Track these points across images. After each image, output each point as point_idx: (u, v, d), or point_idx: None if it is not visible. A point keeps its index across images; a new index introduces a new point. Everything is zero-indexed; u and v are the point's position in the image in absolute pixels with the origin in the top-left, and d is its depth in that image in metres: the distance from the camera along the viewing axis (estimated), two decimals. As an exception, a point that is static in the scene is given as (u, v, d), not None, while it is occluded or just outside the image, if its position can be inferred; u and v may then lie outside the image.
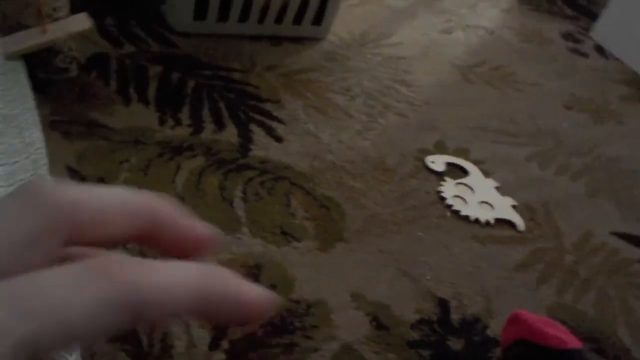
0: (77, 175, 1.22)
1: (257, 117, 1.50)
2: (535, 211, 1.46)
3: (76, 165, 1.24)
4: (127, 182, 1.23)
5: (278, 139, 1.45)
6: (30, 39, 1.12)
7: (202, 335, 1.01)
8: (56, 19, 1.16)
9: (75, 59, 1.31)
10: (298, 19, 1.76)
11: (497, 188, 1.50)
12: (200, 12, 1.65)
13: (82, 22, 1.19)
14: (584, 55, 2.23)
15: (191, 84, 1.54)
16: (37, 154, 0.99)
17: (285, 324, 1.07)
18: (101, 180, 1.22)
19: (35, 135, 1.00)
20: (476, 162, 1.55)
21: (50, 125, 1.29)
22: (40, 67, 1.25)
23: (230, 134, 1.43)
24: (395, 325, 1.12)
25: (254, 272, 1.14)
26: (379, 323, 1.11)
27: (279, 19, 1.74)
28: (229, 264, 1.13)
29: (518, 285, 1.27)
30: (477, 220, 1.39)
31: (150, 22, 1.70)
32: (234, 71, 1.63)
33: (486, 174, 1.53)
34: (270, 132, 1.47)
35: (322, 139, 1.49)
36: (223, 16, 1.67)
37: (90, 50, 1.53)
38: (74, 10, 1.24)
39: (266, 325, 1.06)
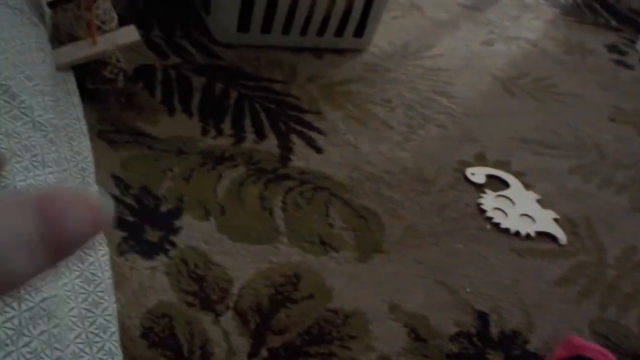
0: (121, 182, 1.25)
1: (298, 127, 1.52)
2: (577, 225, 1.44)
3: (121, 173, 1.27)
4: (170, 191, 1.26)
5: (318, 150, 1.47)
6: (81, 50, 1.16)
7: (242, 343, 1.03)
8: (105, 32, 1.20)
9: (123, 70, 1.35)
10: (340, 31, 1.78)
11: (539, 201, 1.48)
12: (243, 24, 1.68)
13: (130, 34, 1.22)
14: (629, 67, 2.19)
15: (234, 94, 1.57)
16: (85, 162, 1.03)
17: (323, 333, 1.08)
18: (145, 188, 1.25)
19: (84, 144, 1.03)
20: (517, 175, 1.54)
21: (98, 134, 1.33)
22: (89, 77, 1.29)
23: (271, 144, 1.45)
24: (434, 337, 1.12)
25: (292, 281, 1.15)
26: (417, 335, 1.11)
27: (321, 31, 1.76)
28: (267, 272, 1.15)
29: (559, 300, 1.25)
30: (517, 233, 1.38)
31: (195, 34, 1.74)
32: (276, 82, 1.65)
33: (527, 186, 1.52)
34: (310, 142, 1.48)
35: (362, 149, 1.50)
36: (266, 28, 1.70)
37: (137, 62, 1.57)
38: (122, 22, 1.27)
39: (304, 334, 1.07)
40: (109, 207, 0.19)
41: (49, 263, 0.18)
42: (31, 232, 0.18)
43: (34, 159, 0.86)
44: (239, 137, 1.44)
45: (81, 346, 0.77)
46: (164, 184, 1.28)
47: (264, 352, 1.02)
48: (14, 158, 0.83)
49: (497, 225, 1.39)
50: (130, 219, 1.18)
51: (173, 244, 1.15)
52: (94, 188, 1.06)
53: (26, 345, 0.62)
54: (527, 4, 2.46)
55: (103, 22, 1.19)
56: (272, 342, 1.04)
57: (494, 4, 2.38)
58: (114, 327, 0.82)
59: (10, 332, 0.62)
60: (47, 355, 0.65)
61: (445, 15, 2.21)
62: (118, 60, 1.32)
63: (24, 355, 0.61)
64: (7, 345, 0.61)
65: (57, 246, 0.18)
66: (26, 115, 0.89)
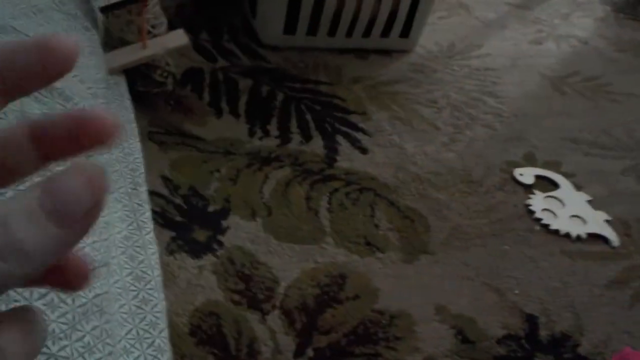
0: (170, 183, 1.28)
1: (343, 128, 1.52)
2: (630, 226, 1.40)
3: (170, 174, 1.30)
4: (218, 191, 1.28)
5: (363, 150, 1.47)
6: (132, 54, 1.18)
7: (288, 342, 1.04)
8: (155, 36, 1.23)
9: (172, 74, 1.37)
10: (386, 32, 1.78)
11: (589, 202, 1.45)
12: (290, 26, 1.70)
13: (179, 38, 1.25)
14: (686, 64, 2.12)
15: (280, 96, 1.58)
16: (135, 163, 1.05)
17: (369, 334, 1.08)
18: (193, 188, 1.28)
19: (134, 145, 1.06)
20: (567, 175, 1.51)
21: (148, 136, 1.36)
22: (140, 81, 1.32)
23: (317, 145, 1.46)
24: (481, 339, 1.10)
25: (338, 281, 1.15)
26: (464, 337, 1.10)
27: (366, 32, 1.76)
28: (313, 272, 1.16)
29: (610, 303, 1.22)
30: (567, 235, 1.35)
31: (242, 37, 1.76)
32: (322, 84, 1.66)
33: (578, 187, 1.49)
34: (355, 143, 1.49)
35: (407, 150, 1.50)
36: (312, 30, 1.71)
37: (186, 65, 1.60)
38: (172, 27, 1.30)
39: (350, 335, 1.07)
40: (103, 175, 0.21)
41: (59, 237, 0.20)
42: (36, 208, 0.19)
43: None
44: (285, 138, 1.45)
45: (132, 342, 0.79)
46: (212, 184, 1.30)
47: (310, 352, 1.03)
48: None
49: (546, 226, 1.36)
50: (179, 219, 1.21)
51: (220, 244, 1.17)
52: (144, 188, 1.09)
53: (79, 339, 0.64)
54: (578, 1, 2.41)
55: (153, 27, 1.22)
56: (317, 341, 1.05)
57: (544, 2, 2.34)
58: (163, 324, 0.84)
59: (64, 327, 0.64)
60: (99, 350, 0.67)
61: (493, 15, 2.19)
62: (167, 64, 1.34)
63: (77, 350, 0.63)
64: (60, 339, 0.63)
65: (62, 218, 0.19)
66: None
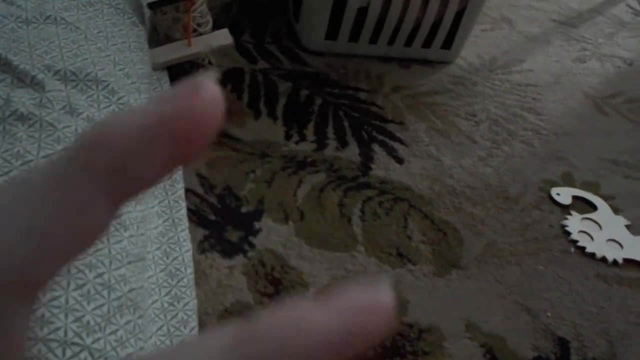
0: (206, 182, 1.28)
1: (380, 137, 1.51)
2: (669, 255, 1.37)
3: (206, 172, 1.30)
4: (252, 192, 1.28)
5: (399, 160, 1.46)
6: (176, 51, 1.19)
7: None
8: (200, 34, 1.24)
9: (213, 73, 1.38)
10: (428, 42, 1.76)
11: (628, 226, 1.41)
12: (332, 32, 1.69)
13: (223, 37, 1.25)
14: None
15: (318, 101, 1.58)
16: (174, 159, 1.06)
17: (396, 346, 1.06)
18: (228, 188, 1.28)
19: (173, 142, 1.06)
20: (606, 198, 1.48)
21: (186, 134, 1.37)
22: (182, 78, 1.33)
23: (352, 152, 1.45)
24: (510, 359, 1.08)
25: (368, 290, 1.14)
26: (493, 356, 1.08)
27: (409, 42, 1.75)
28: (343, 280, 1.15)
29: (646, 332, 1.19)
30: (603, 259, 1.32)
31: (284, 40, 1.76)
32: (361, 91, 1.65)
33: (616, 210, 1.45)
34: (391, 152, 1.48)
35: (444, 162, 1.48)
36: (354, 37, 1.71)
37: (227, 65, 1.61)
38: (216, 26, 1.31)
39: (377, 346, 1.06)
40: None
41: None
42: None
43: (128, 153, 0.89)
44: (321, 144, 1.45)
45: (162, 338, 0.79)
46: (247, 185, 1.30)
47: (336, 360, 1.02)
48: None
49: (582, 249, 1.34)
50: (213, 217, 1.21)
51: (252, 245, 1.17)
52: (180, 185, 1.09)
53: (113, 333, 0.64)
54: (624, 21, 2.37)
55: (199, 25, 1.23)
56: (344, 350, 1.04)
57: (589, 20, 2.30)
58: (194, 322, 0.84)
59: (99, 319, 0.64)
60: (131, 345, 0.67)
61: (536, 30, 2.16)
62: (210, 63, 1.35)
63: (110, 343, 0.63)
64: (95, 332, 0.63)
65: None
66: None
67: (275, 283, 1.11)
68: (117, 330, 0.67)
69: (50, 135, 0.74)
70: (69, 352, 0.61)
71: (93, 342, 0.64)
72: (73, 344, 0.62)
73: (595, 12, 2.34)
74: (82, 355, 0.63)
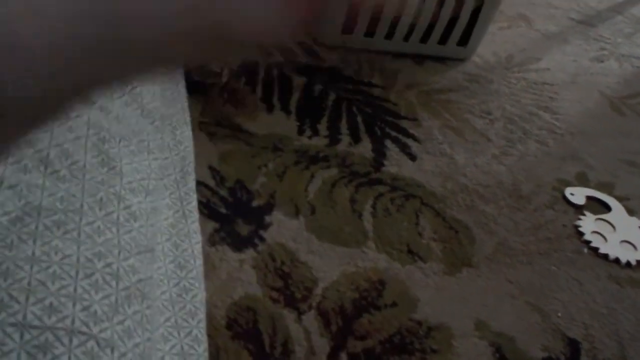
0: (218, 174, 1.28)
1: (393, 133, 1.51)
2: (684, 258, 1.35)
3: (218, 165, 1.30)
4: (263, 186, 1.28)
5: (412, 157, 1.45)
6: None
7: (322, 344, 1.03)
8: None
9: (228, 66, 1.38)
10: (444, 39, 1.75)
11: (643, 228, 1.40)
12: (348, 26, 1.69)
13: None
14: None
15: (332, 96, 1.57)
16: (186, 152, 1.06)
17: (404, 343, 1.06)
18: (239, 181, 1.28)
19: (186, 134, 1.06)
20: (620, 199, 1.46)
21: (199, 126, 1.37)
22: (196, 70, 1.33)
23: (365, 148, 1.44)
24: (519, 359, 1.08)
25: (377, 287, 1.14)
26: (502, 355, 1.08)
27: (424, 38, 1.74)
28: (353, 276, 1.15)
29: (658, 335, 1.18)
30: (616, 260, 1.31)
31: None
32: (375, 87, 1.64)
33: (631, 212, 1.44)
34: (404, 149, 1.47)
35: (457, 160, 1.47)
36: (370, 32, 1.70)
37: (242, 58, 1.61)
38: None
39: (385, 342, 1.05)
40: None
41: None
42: None
43: (140, 144, 0.89)
44: (334, 139, 1.45)
45: (170, 329, 0.79)
46: (258, 179, 1.30)
47: (344, 356, 1.02)
48: (122, 142, 0.86)
49: (595, 250, 1.32)
50: (223, 210, 1.21)
51: (262, 239, 1.17)
52: (192, 177, 1.09)
53: (120, 323, 0.64)
54: (644, 21, 2.34)
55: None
56: (352, 346, 1.04)
57: (608, 20, 2.27)
58: (202, 314, 0.84)
59: (106, 309, 0.64)
60: (138, 335, 0.67)
61: (554, 28, 2.14)
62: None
63: (117, 332, 0.64)
64: (102, 321, 0.63)
65: None
66: (136, 102, 0.92)
67: (284, 277, 1.11)
68: (124, 320, 0.67)
69: (63, 125, 0.74)
70: (75, 341, 0.62)
71: (100, 332, 0.64)
72: (80, 332, 0.62)
73: (614, 11, 2.32)
74: (89, 344, 0.63)
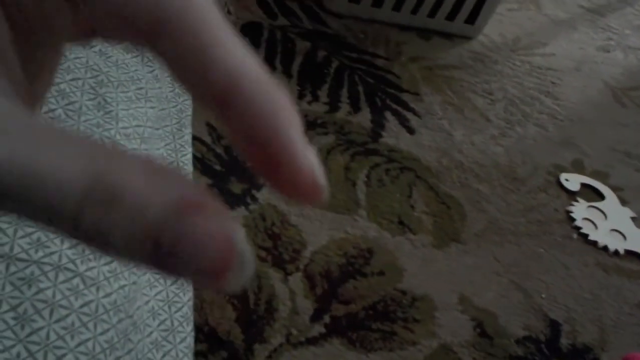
0: (214, 132, 1.27)
1: (393, 105, 1.50)
2: (671, 250, 1.36)
3: (215, 122, 1.30)
4: (259, 147, 1.27)
5: (410, 130, 1.45)
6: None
7: (306, 306, 1.03)
8: (221, -18, 1.22)
9: (232, 24, 1.37)
10: (452, 16, 1.74)
11: (633, 219, 1.40)
12: (355, -5, 1.67)
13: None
14: None
15: (335, 63, 1.56)
16: (184, 104, 1.05)
17: (388, 311, 1.07)
18: (236, 141, 1.27)
19: (185, 87, 1.06)
20: (614, 188, 1.47)
21: (199, 82, 1.36)
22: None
23: (364, 117, 1.44)
24: (500, 336, 1.09)
25: (365, 255, 1.14)
26: (483, 330, 1.09)
27: (432, 13, 1.72)
28: (341, 242, 1.15)
29: (639, 324, 1.19)
30: (605, 248, 1.31)
31: (306, -2, 1.74)
32: (379, 57, 1.63)
33: (623, 201, 1.44)
34: (403, 122, 1.46)
35: (455, 137, 1.47)
36: (378, 2, 1.68)
37: (247, 18, 1.59)
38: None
39: (369, 309, 1.06)
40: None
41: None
42: None
43: (138, 91, 0.88)
44: (333, 106, 1.44)
45: (156, 276, 0.79)
46: (255, 139, 1.29)
47: (326, 318, 1.03)
48: (120, 87, 0.86)
49: (584, 236, 1.33)
50: (218, 167, 1.21)
51: (254, 199, 1.17)
52: (188, 130, 1.09)
53: (107, 264, 0.64)
54: (654, 14, 2.32)
55: (221, -28, 1.21)
56: (335, 310, 1.04)
57: (618, 10, 2.26)
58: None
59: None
60: (124, 278, 0.67)
61: (563, 15, 2.12)
62: (229, 12, 1.33)
63: (103, 273, 0.64)
64: (90, 260, 0.63)
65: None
66: (136, 49, 0.91)
67: (274, 238, 1.11)
68: (111, 261, 0.67)
69: (60, 65, 0.74)
70: (61, 276, 0.62)
71: (86, 270, 0.64)
72: (66, 269, 0.62)
73: (624, 2, 2.30)
74: (75, 281, 0.63)
